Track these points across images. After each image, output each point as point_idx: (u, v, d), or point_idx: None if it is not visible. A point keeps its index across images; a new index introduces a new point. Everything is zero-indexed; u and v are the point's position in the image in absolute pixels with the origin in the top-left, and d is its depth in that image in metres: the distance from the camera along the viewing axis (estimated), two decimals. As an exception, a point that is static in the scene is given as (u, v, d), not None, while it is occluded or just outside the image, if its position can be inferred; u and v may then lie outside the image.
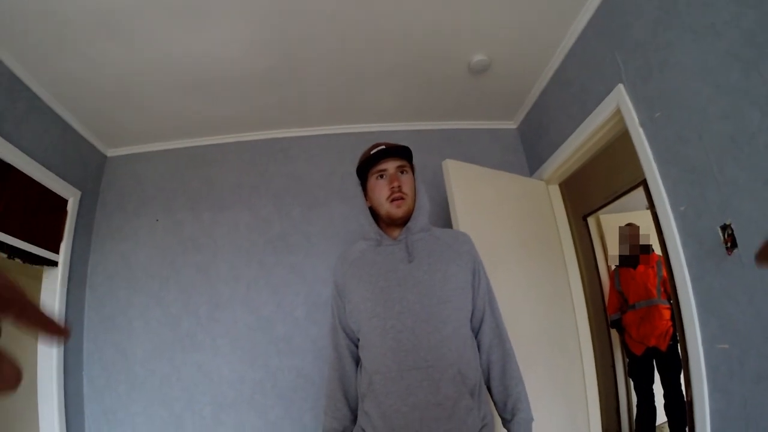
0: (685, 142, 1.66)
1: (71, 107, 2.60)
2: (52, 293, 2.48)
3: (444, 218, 2.53)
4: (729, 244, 1.50)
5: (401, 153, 1.52)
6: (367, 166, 1.54)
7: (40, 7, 1.92)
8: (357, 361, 1.52)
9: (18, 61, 2.20)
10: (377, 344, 1.37)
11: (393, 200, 1.47)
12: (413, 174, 1.57)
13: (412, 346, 1.32)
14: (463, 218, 2.27)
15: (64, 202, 2.61)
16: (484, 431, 1.34)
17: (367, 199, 1.56)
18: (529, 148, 3.16)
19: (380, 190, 1.50)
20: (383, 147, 1.51)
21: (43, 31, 2.05)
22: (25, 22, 1.99)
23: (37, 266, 2.44)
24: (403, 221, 1.49)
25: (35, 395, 2.35)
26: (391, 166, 1.50)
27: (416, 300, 1.37)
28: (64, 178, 2.57)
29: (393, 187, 1.47)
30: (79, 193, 2.71)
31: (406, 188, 1.49)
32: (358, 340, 1.48)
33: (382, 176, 1.51)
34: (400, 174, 1.51)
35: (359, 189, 1.59)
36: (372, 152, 1.52)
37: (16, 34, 2.05)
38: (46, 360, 2.37)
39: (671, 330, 3.48)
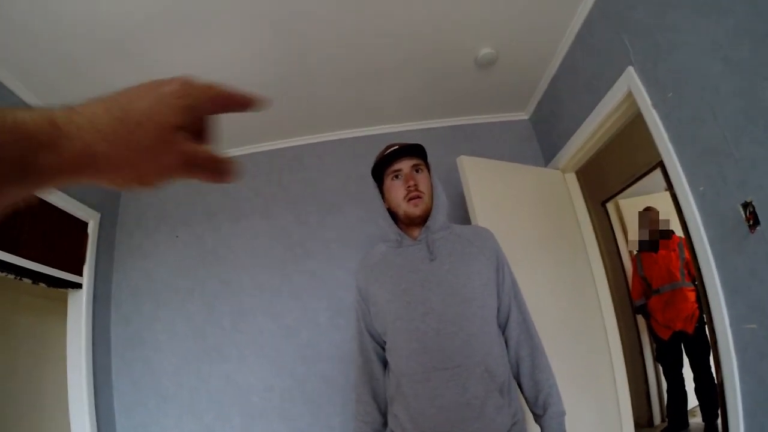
0: (700, 121, 1.64)
1: (84, 131, 2.63)
2: (77, 314, 2.51)
3: (461, 215, 2.53)
4: (751, 222, 1.47)
5: (415, 151, 1.52)
6: (382, 168, 1.55)
7: (44, 34, 1.95)
8: (385, 364, 1.52)
9: (27, 89, 2.24)
10: (402, 346, 1.37)
11: (410, 199, 1.47)
12: (429, 172, 1.56)
13: (438, 347, 1.31)
14: (481, 214, 2.26)
15: (85, 224, 2.65)
16: (515, 429, 1.33)
17: (384, 201, 1.56)
18: (542, 138, 3.13)
19: (396, 190, 1.50)
20: (396, 147, 1.51)
21: (48, 55, 2.08)
22: (30, 48, 2.02)
23: (62, 289, 2.48)
24: (422, 220, 1.49)
25: (67, 413, 2.39)
26: (405, 165, 1.50)
27: (440, 300, 1.36)
28: (82, 202, 2.60)
29: (409, 186, 1.47)
30: (98, 215, 2.75)
31: (423, 186, 1.49)
32: (385, 342, 1.48)
33: (397, 176, 1.51)
34: (415, 173, 1.51)
35: (376, 191, 1.59)
36: (386, 153, 1.53)
37: (22, 60, 2.08)
38: (76, 378, 2.41)
39: (697, 312, 3.44)
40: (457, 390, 1.28)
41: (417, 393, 1.31)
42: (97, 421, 2.42)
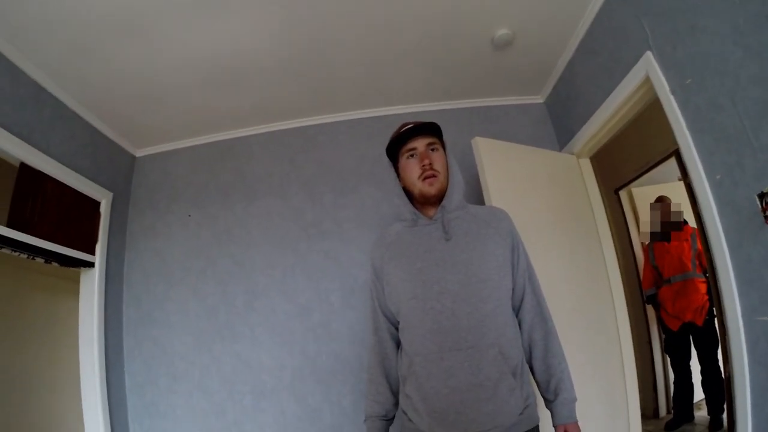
0: (719, 108, 1.61)
1: (96, 111, 2.64)
2: (90, 294, 2.54)
3: (475, 197, 2.50)
4: (767, 213, 1.45)
5: (430, 130, 1.50)
6: (396, 146, 1.53)
7: (57, 15, 1.94)
8: (397, 344, 1.52)
9: (41, 70, 2.24)
10: (417, 326, 1.37)
11: (425, 178, 1.45)
12: (444, 151, 1.54)
13: (452, 326, 1.31)
14: (495, 196, 2.24)
15: (97, 204, 2.67)
16: (527, 412, 1.33)
17: (399, 180, 1.55)
18: (557, 122, 3.09)
19: (411, 169, 1.49)
20: (412, 125, 1.50)
21: (62, 37, 2.08)
22: (43, 30, 2.01)
23: (74, 268, 2.51)
24: (437, 199, 1.48)
25: (78, 392, 2.43)
26: (420, 144, 1.49)
27: (455, 280, 1.35)
28: (95, 181, 2.62)
29: (424, 165, 1.45)
30: (110, 195, 2.76)
31: (438, 165, 1.48)
32: (398, 322, 1.47)
33: (412, 155, 1.50)
34: (430, 151, 1.49)
35: (391, 170, 1.58)
36: (401, 131, 1.51)
37: (36, 43, 2.08)
38: (88, 357, 2.44)
39: (707, 304, 3.41)
40: (471, 371, 1.27)
41: (430, 373, 1.30)
42: (109, 399, 2.46)
